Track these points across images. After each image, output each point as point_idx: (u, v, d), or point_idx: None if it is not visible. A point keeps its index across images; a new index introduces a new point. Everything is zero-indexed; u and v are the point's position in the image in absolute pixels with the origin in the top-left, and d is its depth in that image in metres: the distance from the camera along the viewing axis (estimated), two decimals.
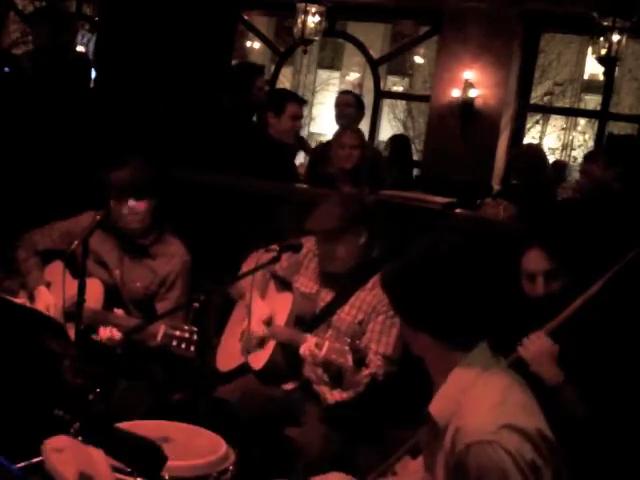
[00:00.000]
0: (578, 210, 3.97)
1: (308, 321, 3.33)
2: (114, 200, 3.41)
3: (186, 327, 2.98)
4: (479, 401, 1.86)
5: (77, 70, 4.89)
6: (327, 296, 3.38)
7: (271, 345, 3.30)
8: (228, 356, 3.51)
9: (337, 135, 5.23)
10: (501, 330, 2.03)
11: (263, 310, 3.39)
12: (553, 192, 5.61)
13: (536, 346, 2.74)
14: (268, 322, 3.39)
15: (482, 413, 1.83)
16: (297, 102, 5.04)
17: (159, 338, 3.01)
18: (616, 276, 2.79)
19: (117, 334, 3.23)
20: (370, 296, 3.26)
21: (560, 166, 6.56)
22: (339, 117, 6.03)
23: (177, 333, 2.97)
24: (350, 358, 2.80)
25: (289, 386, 3.34)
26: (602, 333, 2.80)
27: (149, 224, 3.49)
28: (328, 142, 6.20)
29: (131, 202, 3.39)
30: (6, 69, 4.70)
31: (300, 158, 7.02)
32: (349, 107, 5.97)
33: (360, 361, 2.82)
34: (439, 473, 1.92)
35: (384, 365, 3.09)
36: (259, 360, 3.32)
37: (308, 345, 2.98)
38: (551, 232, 3.08)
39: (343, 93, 6.65)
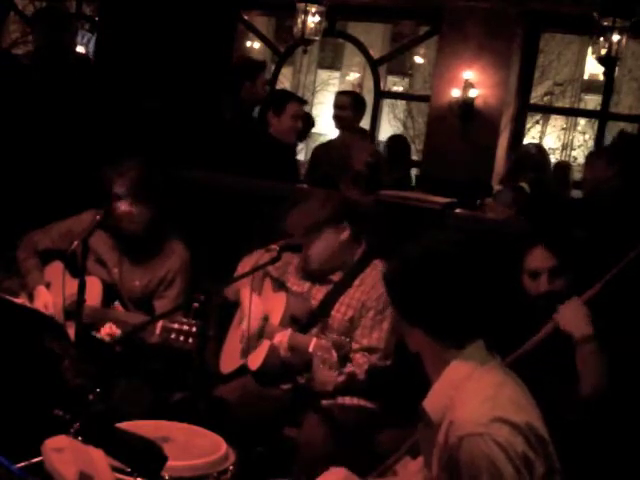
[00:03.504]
0: (581, 208, 3.98)
1: (302, 321, 3.34)
2: (113, 200, 3.41)
3: (184, 320, 2.99)
4: (471, 395, 1.88)
5: (77, 70, 4.89)
6: (318, 294, 3.39)
7: (266, 345, 3.30)
8: (229, 358, 3.52)
9: (356, 143, 5.22)
10: (500, 330, 2.04)
11: (259, 307, 3.40)
12: (557, 191, 5.62)
13: (569, 307, 2.83)
14: (264, 318, 3.40)
15: (473, 406, 1.85)
16: (298, 102, 5.05)
17: (158, 332, 3.01)
18: (617, 276, 2.81)
19: (116, 330, 3.24)
20: (358, 292, 3.29)
21: (562, 166, 6.54)
22: (336, 119, 5.99)
23: (175, 326, 2.96)
24: (335, 354, 2.85)
25: (287, 386, 3.34)
26: (604, 333, 2.80)
27: (147, 225, 3.49)
28: (328, 142, 6.19)
29: (125, 205, 3.39)
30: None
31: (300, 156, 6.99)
32: (345, 110, 5.92)
33: (344, 357, 2.91)
34: (434, 468, 1.94)
35: (366, 363, 3.13)
36: (255, 361, 3.33)
37: (281, 337, 3.06)
38: (555, 230, 3.11)
39: (341, 94, 6.53)
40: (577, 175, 7.17)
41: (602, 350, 2.76)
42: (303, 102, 5.24)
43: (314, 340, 2.92)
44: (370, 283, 3.26)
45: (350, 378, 3.10)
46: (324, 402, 3.18)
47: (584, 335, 2.77)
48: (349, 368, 3.11)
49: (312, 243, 3.31)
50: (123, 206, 3.40)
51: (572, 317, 2.81)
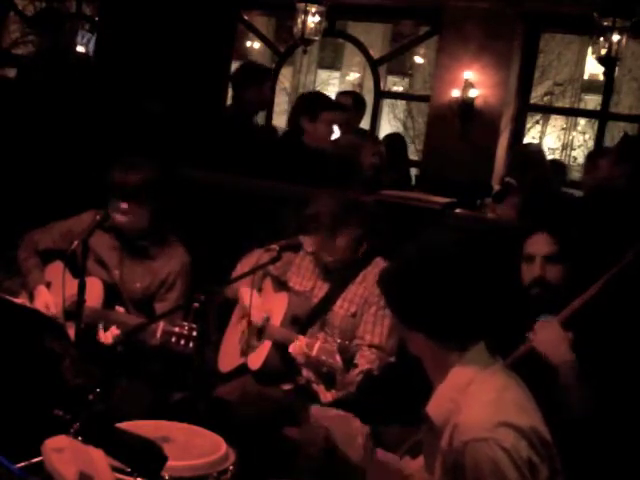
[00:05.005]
0: (584, 203, 3.98)
1: (303, 320, 3.34)
2: (112, 200, 3.40)
3: (185, 324, 2.99)
4: (475, 399, 1.87)
5: (77, 70, 4.89)
6: (320, 292, 3.39)
7: (267, 345, 3.31)
8: (228, 357, 3.52)
9: (360, 143, 5.19)
10: (500, 331, 2.03)
11: (259, 306, 3.40)
12: (554, 190, 5.61)
13: (545, 330, 2.74)
14: (265, 319, 3.40)
15: (478, 410, 1.85)
16: (333, 109, 4.89)
17: (158, 335, 3.02)
18: (616, 276, 2.80)
19: (116, 331, 3.24)
20: (361, 289, 3.30)
21: (558, 164, 6.53)
22: None
23: (176, 329, 2.97)
24: (339, 358, 2.84)
25: (288, 386, 3.34)
26: (602, 333, 2.80)
27: (148, 226, 3.48)
28: (332, 142, 6.15)
29: (124, 205, 3.39)
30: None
31: None
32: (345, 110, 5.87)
33: (349, 360, 2.90)
34: (437, 471, 1.93)
35: (378, 358, 3.13)
36: (256, 361, 3.33)
37: (299, 345, 3.01)
38: (557, 218, 3.08)
39: (341, 94, 6.52)
40: (577, 175, 7.17)
41: (585, 376, 2.65)
42: (338, 108, 5.03)
43: (318, 344, 2.92)
44: (372, 280, 3.26)
45: (366, 376, 3.09)
46: (321, 401, 3.18)
47: (565, 361, 2.67)
48: (359, 368, 3.10)
49: (335, 235, 3.31)
50: (122, 206, 3.39)
51: (549, 341, 2.71)
